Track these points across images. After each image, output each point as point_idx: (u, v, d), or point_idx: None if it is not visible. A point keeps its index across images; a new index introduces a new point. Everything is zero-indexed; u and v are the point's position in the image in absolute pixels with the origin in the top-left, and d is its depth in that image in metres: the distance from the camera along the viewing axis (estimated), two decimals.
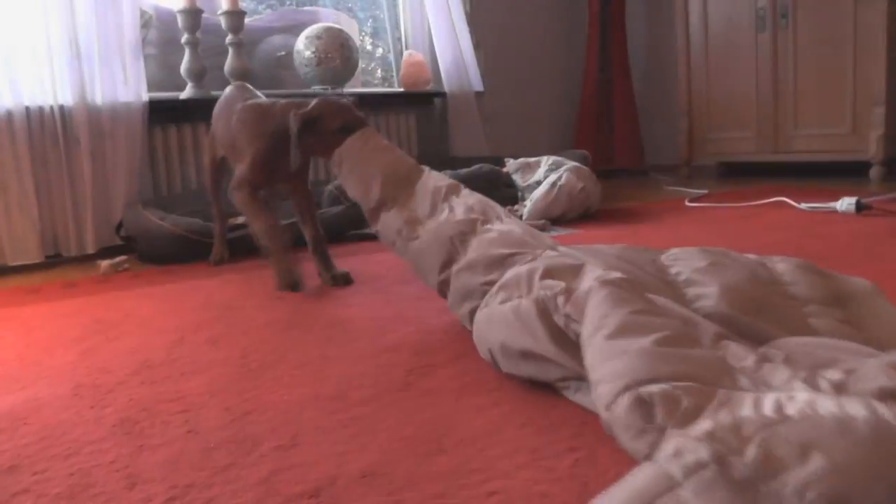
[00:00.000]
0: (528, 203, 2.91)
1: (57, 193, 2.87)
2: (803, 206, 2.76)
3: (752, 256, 1.18)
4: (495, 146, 4.47)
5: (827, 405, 0.65)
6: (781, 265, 1.13)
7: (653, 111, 5.06)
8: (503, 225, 1.42)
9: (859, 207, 2.55)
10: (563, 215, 2.88)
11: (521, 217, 2.87)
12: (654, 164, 5.02)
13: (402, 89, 4.05)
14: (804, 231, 2.28)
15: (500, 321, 1.13)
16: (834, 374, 0.73)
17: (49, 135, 2.84)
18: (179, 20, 3.23)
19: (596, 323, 0.91)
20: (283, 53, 3.81)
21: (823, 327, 0.99)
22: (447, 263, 1.40)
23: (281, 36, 3.85)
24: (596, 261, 1.14)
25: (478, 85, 4.18)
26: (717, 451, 0.62)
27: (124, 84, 2.98)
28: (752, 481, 0.59)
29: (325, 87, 3.62)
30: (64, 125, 2.86)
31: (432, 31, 4.13)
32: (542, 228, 2.68)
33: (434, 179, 1.60)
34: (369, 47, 4.64)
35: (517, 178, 3.11)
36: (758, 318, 0.98)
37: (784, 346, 0.88)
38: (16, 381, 1.31)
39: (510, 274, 1.20)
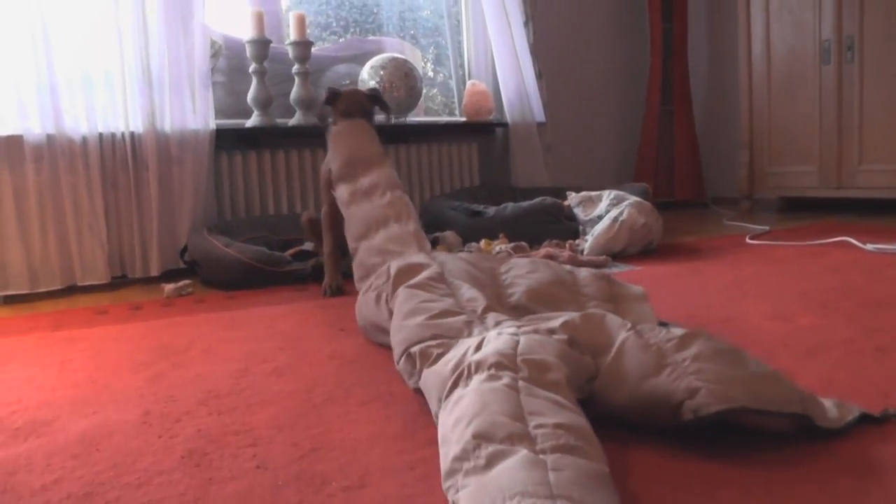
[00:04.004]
0: (590, 238, 2.88)
1: (125, 217, 2.95)
2: (869, 246, 2.67)
3: (568, 267, 1.71)
4: (556, 177, 4.45)
5: (492, 334, 1.14)
6: (583, 273, 1.66)
7: (714, 143, 5.00)
8: (400, 226, 2.03)
9: None
10: (625, 250, 2.85)
11: (581, 251, 2.84)
12: (714, 196, 4.95)
13: (464, 119, 4.06)
14: (870, 273, 2.20)
15: (367, 304, 1.70)
16: (530, 324, 1.23)
17: (120, 160, 2.93)
18: (248, 50, 3.31)
19: (396, 310, 1.42)
20: (347, 83, 3.86)
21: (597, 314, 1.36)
22: (361, 236, 2.06)
23: (346, 65, 3.91)
24: (443, 265, 1.61)
25: (540, 116, 4.17)
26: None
27: (193, 112, 3.05)
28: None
29: (389, 117, 3.65)
30: (134, 151, 2.95)
31: (495, 61, 4.13)
32: (603, 264, 2.65)
33: (383, 173, 2.22)
34: (430, 73, 4.68)
35: (578, 211, 3.09)
36: (546, 306, 1.49)
37: (537, 318, 1.31)
38: (88, 405, 1.34)
39: (373, 261, 1.94)
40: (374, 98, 2.53)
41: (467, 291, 1.45)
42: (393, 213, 2.07)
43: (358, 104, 2.46)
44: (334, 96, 2.48)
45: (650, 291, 2.10)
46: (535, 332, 1.15)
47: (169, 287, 2.59)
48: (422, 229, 2.08)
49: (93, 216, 2.85)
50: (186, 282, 2.65)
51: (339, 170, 2.26)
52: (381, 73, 3.61)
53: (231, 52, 3.52)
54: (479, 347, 1.10)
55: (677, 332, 1.12)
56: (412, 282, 1.50)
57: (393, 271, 1.60)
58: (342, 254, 2.49)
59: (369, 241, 2.03)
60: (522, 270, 1.63)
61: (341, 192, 2.22)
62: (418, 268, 1.59)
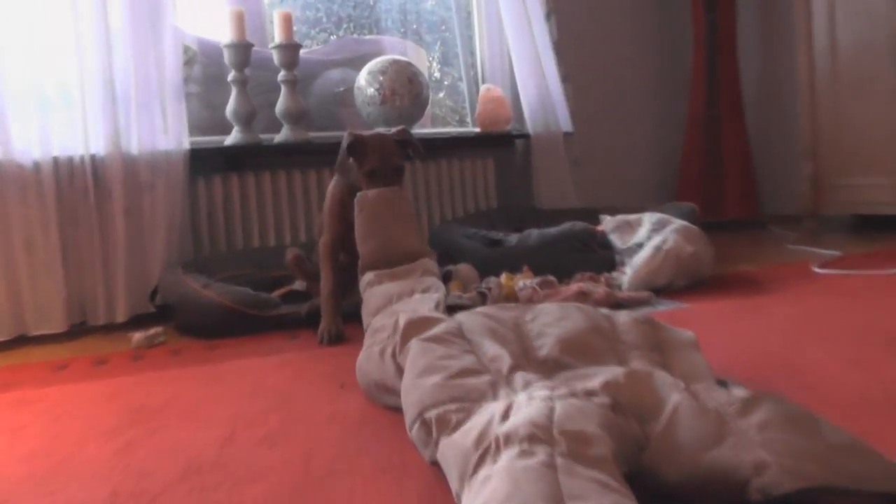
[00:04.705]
0: (629, 270, 2.88)
1: (86, 254, 2.96)
2: None
3: (603, 311, 1.69)
4: (586, 196, 4.45)
5: (522, 399, 1.17)
6: (623, 317, 1.66)
7: (770, 152, 4.99)
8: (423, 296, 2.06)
9: None
10: (670, 284, 2.85)
11: (619, 287, 2.84)
12: (772, 214, 4.94)
13: (477, 129, 4.08)
14: None
15: (370, 360, 1.73)
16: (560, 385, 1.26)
17: (79, 188, 2.95)
18: (226, 56, 3.33)
19: (409, 366, 1.44)
20: (342, 90, 3.89)
21: (640, 366, 1.41)
22: (378, 310, 2.06)
23: (340, 70, 3.94)
24: (460, 322, 1.60)
25: (566, 125, 4.18)
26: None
27: (164, 130, 3.08)
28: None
29: (389, 128, 3.67)
30: (96, 177, 2.97)
31: (513, 61, 4.14)
32: (645, 302, 2.65)
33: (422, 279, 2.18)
34: (437, 74, 4.70)
35: (615, 238, 3.09)
36: (582, 359, 1.47)
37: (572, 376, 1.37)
38: (45, 484, 1.34)
39: (383, 323, 1.90)
40: (405, 143, 2.50)
41: (490, 348, 1.46)
42: (420, 288, 2.11)
43: (389, 161, 2.41)
44: (358, 146, 2.42)
45: (702, 335, 2.08)
46: (572, 395, 1.15)
47: (138, 336, 2.59)
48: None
49: (48, 254, 2.87)
50: (158, 329, 2.66)
51: (369, 259, 2.26)
52: (381, 78, 3.64)
53: (207, 58, 3.56)
54: (506, 415, 1.10)
55: (740, 393, 1.12)
56: (427, 335, 1.51)
57: (402, 323, 1.61)
58: (342, 294, 2.50)
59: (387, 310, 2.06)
60: (551, 318, 1.63)
61: (368, 276, 2.23)
62: (432, 321, 1.60)
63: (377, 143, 2.42)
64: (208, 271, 2.95)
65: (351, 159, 2.44)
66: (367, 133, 2.47)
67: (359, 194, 2.35)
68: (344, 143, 2.43)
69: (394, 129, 2.54)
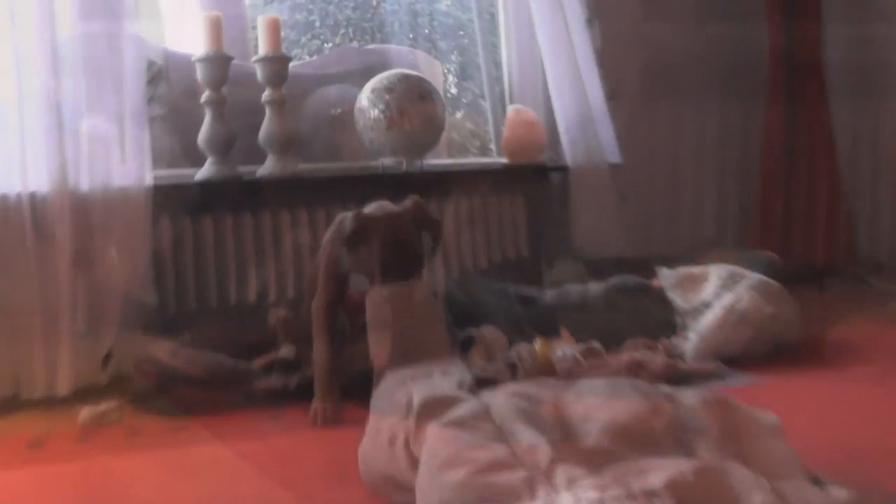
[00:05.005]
0: (693, 336, 2.87)
1: (22, 311, 2.95)
2: None
3: (663, 388, 1.71)
4: (637, 242, 4.42)
5: (566, 500, 1.21)
6: (688, 397, 1.66)
7: (870, 186, 4.98)
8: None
9: None
10: (746, 354, 2.83)
11: (682, 356, 2.83)
12: (872, 262, 4.90)
13: (504, 160, 4.08)
14: None
15: (377, 449, 1.72)
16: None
17: (15, 232, 2.94)
18: (200, 71, 3.34)
19: (426, 457, 1.47)
20: (338, 112, 3.90)
21: (712, 458, 1.42)
22: None
23: (337, 87, 3.94)
24: (487, 397, 1.66)
25: (613, 154, 4.17)
26: None
27: (121, 162, 3.08)
28: None
29: (398, 159, 3.67)
30: (36, 219, 2.96)
31: (547, 74, 4.15)
32: (715, 376, 2.64)
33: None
34: (453, 89, 4.73)
35: (675, 296, 3.08)
36: (637, 449, 1.45)
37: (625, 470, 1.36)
38: None
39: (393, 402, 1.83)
40: (421, 220, 2.50)
41: (525, 435, 1.46)
42: (439, 369, 2.06)
43: (404, 249, 2.41)
44: (361, 230, 2.38)
45: (787, 418, 2.07)
46: (629, 496, 1.14)
47: (86, 412, 2.58)
48: None
49: None
50: (111, 405, 2.65)
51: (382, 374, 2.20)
52: (387, 97, 3.64)
53: (176, 74, 3.58)
54: None
55: (839, 494, 1.11)
56: (447, 418, 1.51)
57: (417, 402, 1.61)
58: (340, 365, 2.50)
59: None
60: (598, 397, 1.63)
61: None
62: (454, 401, 1.61)
63: (387, 227, 2.37)
64: (175, 334, 2.95)
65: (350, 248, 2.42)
66: (372, 212, 2.44)
67: (368, 294, 2.35)
68: (345, 229, 2.39)
69: (407, 203, 2.52)
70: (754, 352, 2.85)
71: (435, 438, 1.46)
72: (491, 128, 4.44)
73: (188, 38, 3.68)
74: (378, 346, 2.28)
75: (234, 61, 3.45)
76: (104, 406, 2.62)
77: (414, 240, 2.41)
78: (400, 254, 2.36)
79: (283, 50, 3.51)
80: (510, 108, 4.15)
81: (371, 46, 4.30)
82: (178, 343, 2.84)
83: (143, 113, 3.14)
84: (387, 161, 3.70)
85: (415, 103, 3.65)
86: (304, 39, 4.33)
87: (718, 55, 4.99)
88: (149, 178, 3.15)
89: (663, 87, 4.79)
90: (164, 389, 2.69)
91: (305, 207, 3.51)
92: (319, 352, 2.46)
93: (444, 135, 3.93)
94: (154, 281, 3.21)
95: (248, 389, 2.69)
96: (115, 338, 2.96)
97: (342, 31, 4.41)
